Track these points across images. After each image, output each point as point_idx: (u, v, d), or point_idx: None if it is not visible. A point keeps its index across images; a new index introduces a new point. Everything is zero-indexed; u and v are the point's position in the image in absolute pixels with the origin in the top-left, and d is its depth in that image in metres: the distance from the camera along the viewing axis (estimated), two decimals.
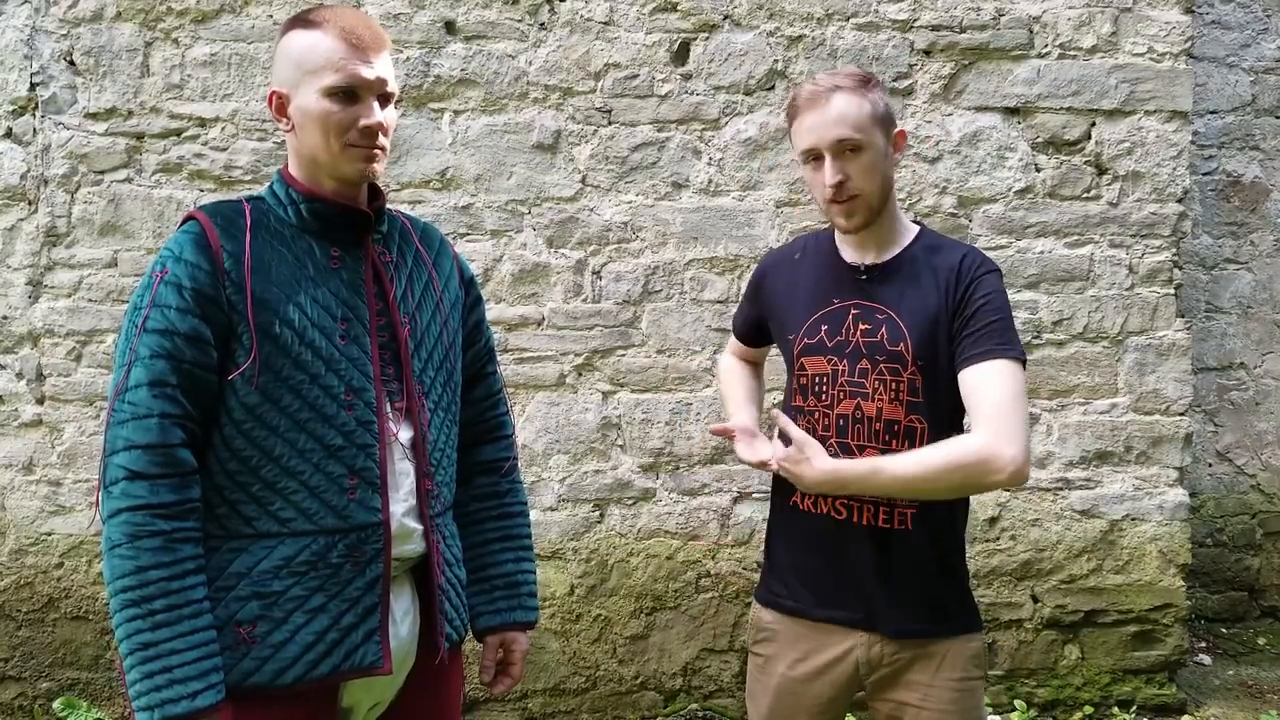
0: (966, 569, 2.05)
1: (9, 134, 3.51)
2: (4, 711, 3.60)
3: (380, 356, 1.75)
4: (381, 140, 1.73)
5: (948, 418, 1.94)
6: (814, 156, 1.92)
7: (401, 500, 1.76)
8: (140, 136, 3.52)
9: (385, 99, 1.74)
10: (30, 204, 3.52)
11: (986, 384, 1.82)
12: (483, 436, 2.03)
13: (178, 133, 3.52)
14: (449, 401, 1.87)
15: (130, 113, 3.51)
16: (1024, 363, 1.88)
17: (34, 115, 3.51)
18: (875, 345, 1.94)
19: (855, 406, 1.95)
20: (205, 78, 3.51)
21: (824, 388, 1.98)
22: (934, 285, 1.93)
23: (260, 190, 1.83)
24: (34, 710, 3.61)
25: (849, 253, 2.03)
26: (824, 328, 2.00)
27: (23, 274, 3.53)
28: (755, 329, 2.24)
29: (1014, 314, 1.96)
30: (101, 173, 3.52)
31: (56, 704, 3.57)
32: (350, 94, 1.69)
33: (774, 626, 2.07)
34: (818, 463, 1.84)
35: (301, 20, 1.72)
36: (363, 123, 1.70)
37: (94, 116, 3.51)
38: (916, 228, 2.04)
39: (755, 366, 2.34)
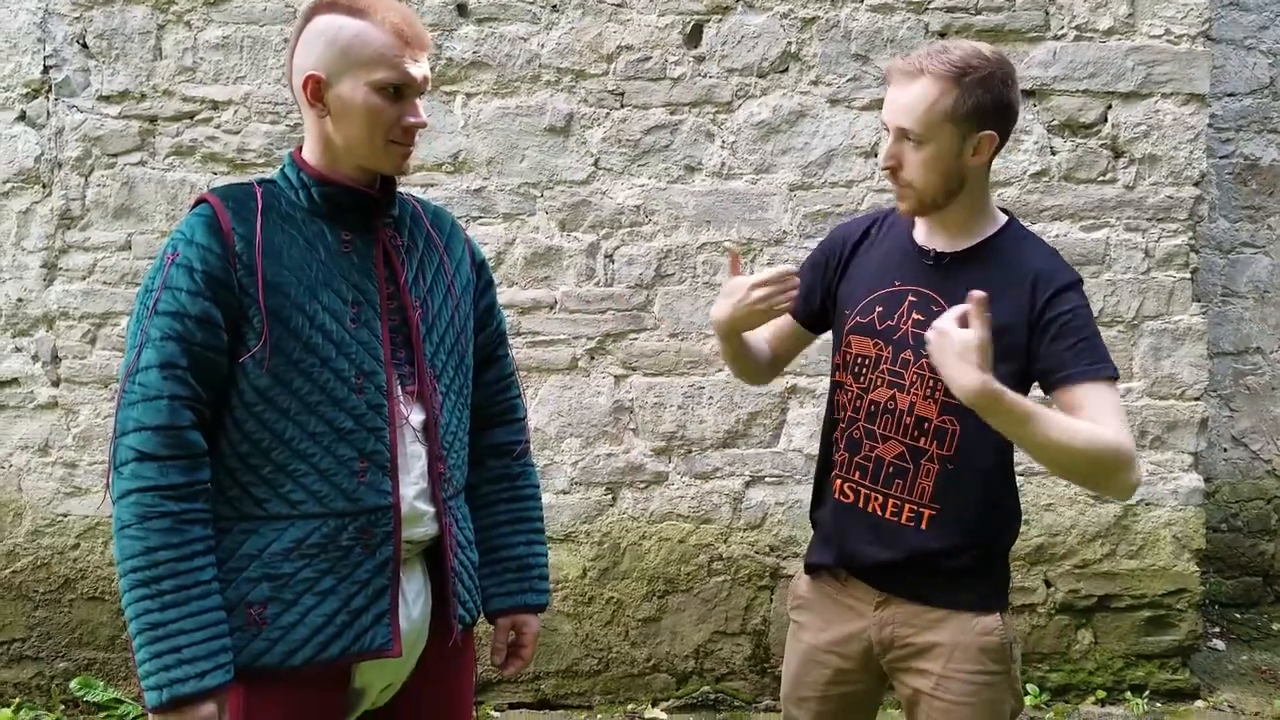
0: (1003, 563, 1.98)
1: (23, 117, 3.52)
2: (22, 690, 3.64)
3: (391, 340, 1.75)
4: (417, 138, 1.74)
5: (984, 423, 1.79)
6: (886, 129, 1.85)
7: (413, 483, 1.76)
8: (153, 119, 3.52)
9: (421, 95, 1.75)
10: (44, 187, 3.53)
11: (1092, 407, 1.75)
12: (494, 419, 2.02)
13: (190, 115, 3.52)
14: (461, 385, 1.87)
15: (143, 95, 3.51)
16: (1115, 374, 1.81)
17: (47, 98, 3.52)
18: (922, 338, 1.84)
19: (890, 396, 1.91)
20: (218, 60, 3.51)
21: (864, 370, 1.95)
22: (1003, 288, 1.83)
23: (272, 173, 1.83)
24: (51, 689, 3.64)
25: (921, 235, 1.96)
26: (878, 309, 1.94)
27: (38, 257, 3.54)
28: (803, 300, 2.08)
29: None
30: (115, 156, 3.52)
31: (73, 683, 3.60)
32: (399, 91, 1.69)
33: (806, 594, 2.09)
34: (979, 371, 1.64)
35: (344, 6, 1.68)
36: (409, 120, 1.70)
37: (107, 99, 3.51)
38: (1004, 219, 1.94)
39: (773, 353, 2.20)
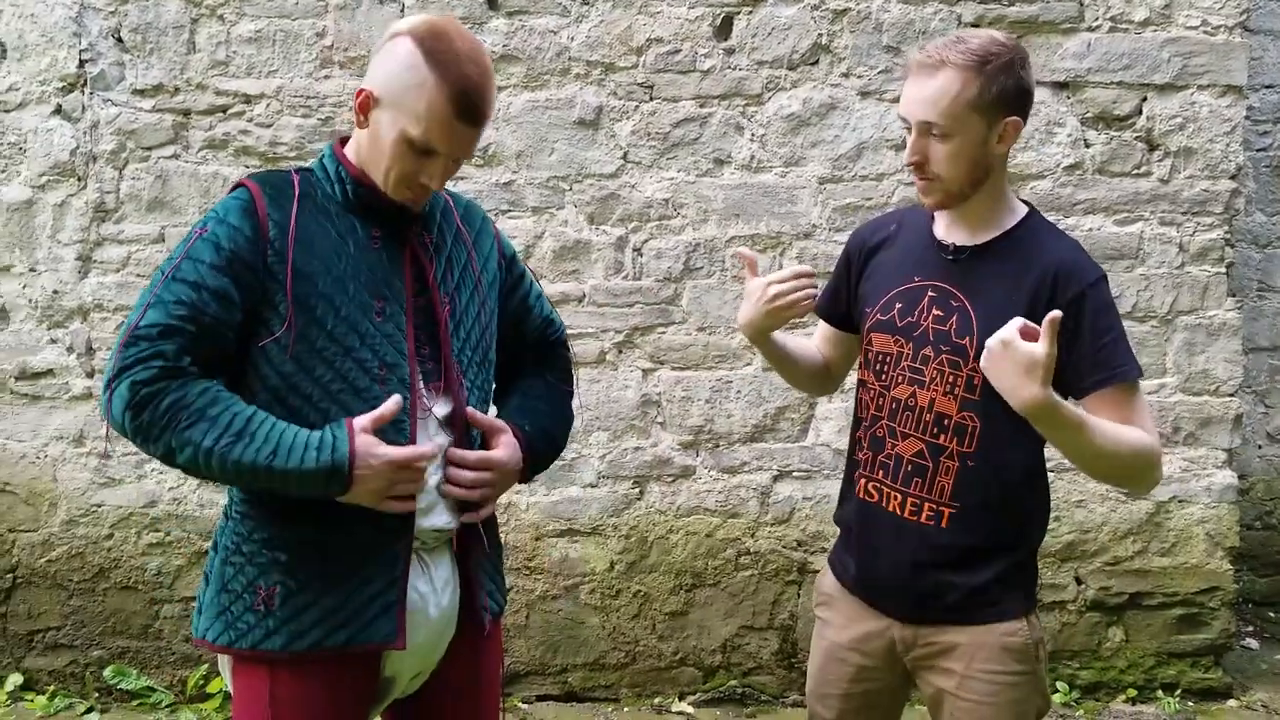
0: (1028, 564, 1.96)
1: (59, 111, 3.56)
2: (57, 678, 3.69)
3: (416, 335, 1.76)
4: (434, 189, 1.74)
5: (1006, 420, 1.79)
6: (906, 125, 1.84)
7: (431, 474, 1.75)
8: (187, 113, 3.55)
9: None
10: (80, 180, 3.57)
11: (1121, 413, 1.77)
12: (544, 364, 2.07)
13: (223, 109, 3.55)
14: (484, 380, 1.88)
15: (177, 89, 3.54)
16: (1139, 373, 1.82)
17: (83, 92, 3.55)
18: (942, 334, 1.86)
19: (910, 393, 1.90)
20: (250, 54, 3.53)
21: (885, 367, 1.94)
22: (1023, 283, 1.83)
23: (309, 162, 1.84)
24: (85, 677, 3.69)
25: (941, 229, 1.95)
26: (898, 305, 1.94)
27: (73, 249, 3.58)
28: (832, 303, 2.13)
29: None
30: (149, 149, 3.55)
31: (107, 671, 3.65)
32: (426, 151, 1.68)
33: (830, 592, 2.08)
34: (1042, 387, 1.64)
35: (428, 46, 1.66)
36: (422, 180, 1.70)
37: (141, 93, 3.54)
38: (1024, 210, 1.92)
39: (827, 364, 2.20)
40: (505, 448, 1.83)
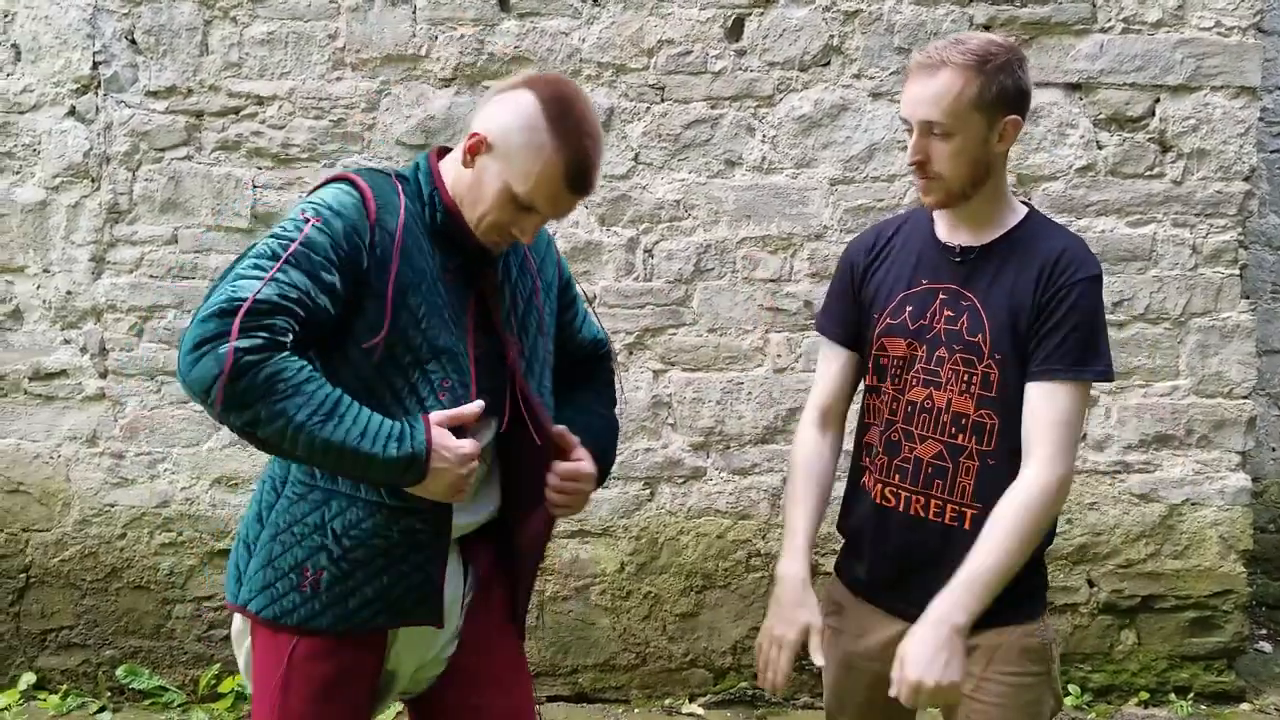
0: (1040, 563, 1.97)
1: (72, 112, 3.57)
2: (70, 677, 3.70)
3: (477, 376, 1.78)
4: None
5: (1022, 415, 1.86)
6: (907, 126, 1.87)
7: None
8: (199, 114, 3.56)
9: None
10: (93, 181, 3.59)
11: (1042, 405, 1.81)
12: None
13: (236, 111, 3.56)
14: (549, 405, 1.93)
15: (190, 91, 3.55)
16: (1104, 376, 1.84)
17: (96, 94, 3.57)
18: (954, 334, 1.88)
19: (926, 395, 1.90)
20: (263, 56, 3.54)
21: (900, 372, 1.94)
22: (1025, 277, 1.85)
23: (403, 168, 1.86)
24: (98, 676, 3.70)
25: (944, 231, 1.96)
26: (909, 308, 1.94)
27: (86, 250, 3.60)
28: (841, 327, 2.08)
29: None
30: (162, 150, 3.57)
31: (119, 671, 3.66)
32: (529, 209, 1.72)
33: (841, 600, 2.08)
34: (937, 665, 1.75)
35: (552, 112, 1.69)
36: (514, 232, 1.74)
37: (154, 95, 3.56)
38: (1024, 210, 1.94)
39: (837, 433, 2.13)
40: (589, 460, 1.92)
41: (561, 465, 1.87)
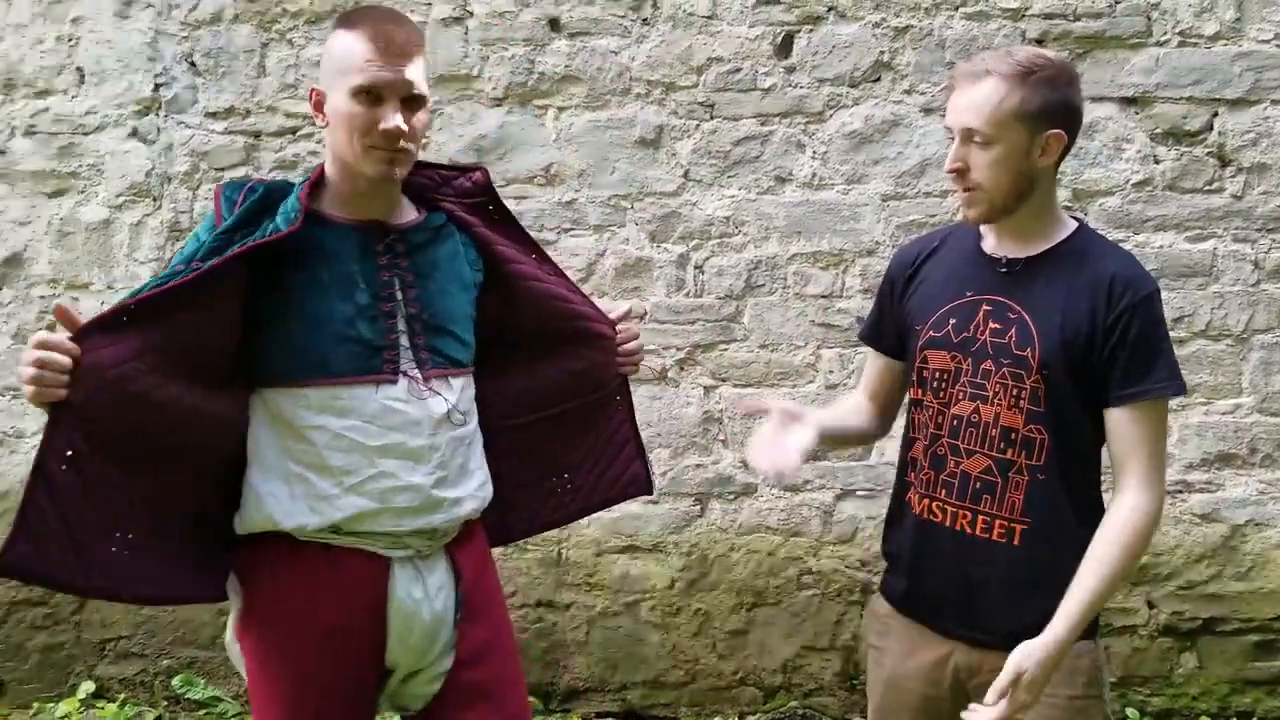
0: None
1: (134, 133, 3.66)
2: (127, 686, 3.76)
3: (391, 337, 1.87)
4: (404, 144, 1.77)
5: (1073, 430, 1.84)
6: (950, 135, 1.86)
7: (413, 471, 1.84)
8: (257, 135, 3.63)
9: (413, 102, 1.78)
10: (155, 200, 3.67)
11: (1129, 429, 1.81)
12: None
13: (293, 131, 3.62)
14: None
15: (248, 112, 3.63)
16: (1181, 391, 1.83)
17: (157, 115, 3.65)
18: (1002, 347, 1.85)
19: (973, 409, 1.88)
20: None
21: (944, 385, 1.92)
22: (1079, 294, 1.83)
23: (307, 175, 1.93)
24: (154, 686, 3.76)
25: (990, 243, 1.95)
26: (952, 321, 1.92)
27: (148, 268, 3.67)
28: (879, 334, 2.13)
29: None
30: (221, 170, 3.64)
31: (175, 680, 3.72)
32: (375, 96, 1.74)
33: (888, 620, 2.04)
34: (1035, 659, 1.74)
35: (344, 20, 1.81)
36: (381, 126, 1.74)
37: (214, 115, 3.63)
38: (1074, 224, 1.92)
39: (878, 407, 2.18)
40: (614, 311, 2.21)
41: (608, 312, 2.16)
